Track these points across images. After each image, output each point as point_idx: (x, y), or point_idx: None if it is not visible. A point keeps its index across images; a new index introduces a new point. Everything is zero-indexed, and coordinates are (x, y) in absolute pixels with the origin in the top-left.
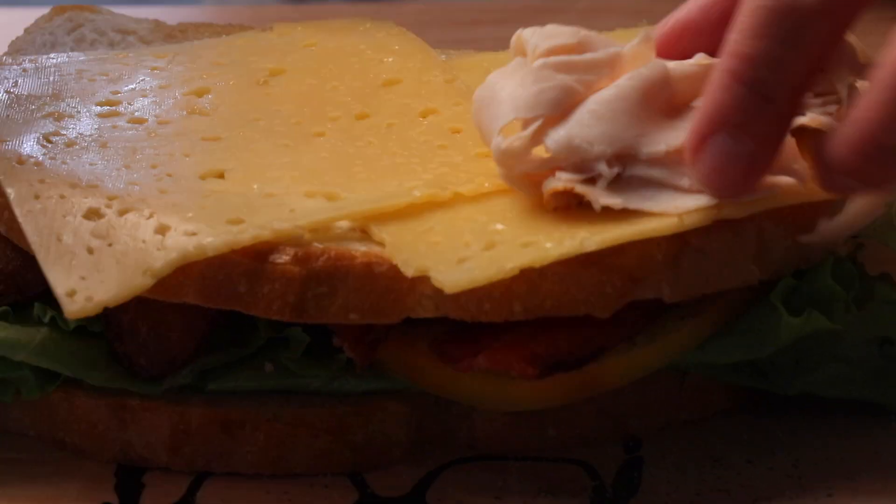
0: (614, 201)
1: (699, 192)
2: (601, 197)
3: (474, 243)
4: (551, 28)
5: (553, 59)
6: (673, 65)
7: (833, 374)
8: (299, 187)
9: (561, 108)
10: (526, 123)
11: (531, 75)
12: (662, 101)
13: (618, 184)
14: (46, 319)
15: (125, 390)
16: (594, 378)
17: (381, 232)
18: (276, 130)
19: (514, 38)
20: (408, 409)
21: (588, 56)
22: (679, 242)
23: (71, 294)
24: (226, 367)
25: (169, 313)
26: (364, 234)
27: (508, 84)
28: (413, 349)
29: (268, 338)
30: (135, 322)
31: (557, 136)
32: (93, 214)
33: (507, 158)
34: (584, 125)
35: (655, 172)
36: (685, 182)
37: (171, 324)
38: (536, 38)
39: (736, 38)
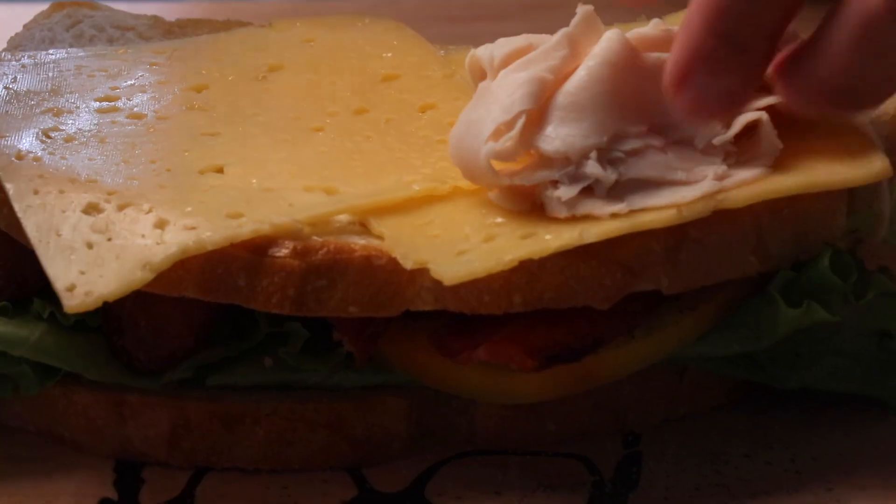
0: (619, 207)
1: (697, 182)
2: (606, 207)
3: (473, 236)
4: (501, 40)
5: (513, 64)
6: (631, 33)
7: (831, 368)
8: (298, 182)
9: (537, 99)
10: (509, 126)
11: (498, 87)
12: (634, 69)
13: (616, 188)
14: (45, 315)
15: (124, 385)
16: (593, 370)
17: (381, 225)
18: (275, 125)
19: (467, 60)
20: (407, 404)
21: (541, 47)
22: (678, 234)
23: (70, 289)
24: (225, 361)
25: (168, 307)
26: (363, 227)
27: (479, 109)
28: (412, 343)
29: (267, 332)
30: (134, 316)
31: (546, 135)
32: (92, 209)
33: (501, 160)
34: (570, 119)
35: (651, 172)
36: (681, 175)
37: (170, 318)
38: (490, 51)
39: None
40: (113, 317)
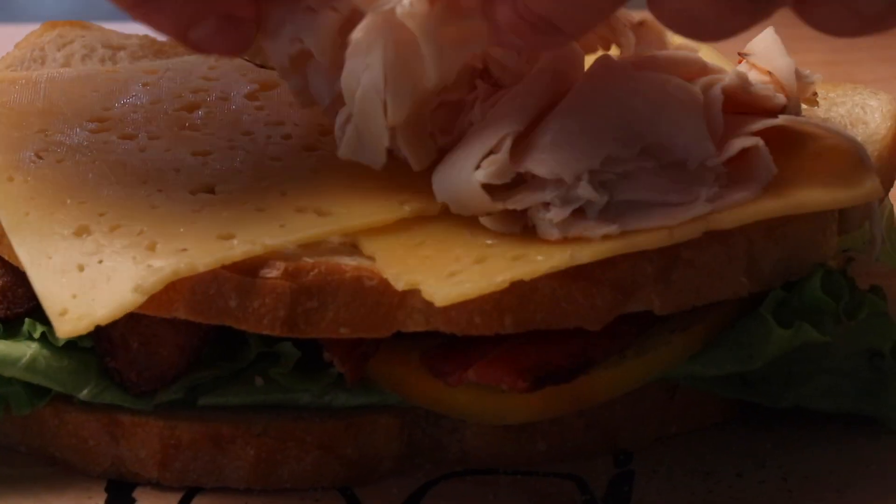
0: (610, 229)
1: (689, 203)
2: (597, 230)
3: (465, 257)
4: None
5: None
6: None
7: (823, 387)
8: (290, 202)
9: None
10: (497, 149)
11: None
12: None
13: (607, 210)
14: (37, 335)
15: (116, 405)
16: (585, 391)
17: (372, 246)
18: (267, 145)
19: None
20: (398, 424)
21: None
22: (669, 255)
23: (63, 313)
24: (216, 381)
25: (159, 328)
26: (354, 248)
27: (463, 146)
28: (403, 363)
29: (258, 352)
30: (125, 337)
31: (539, 158)
32: (83, 231)
33: (493, 181)
34: (562, 142)
35: (643, 193)
36: (673, 197)
37: (161, 339)
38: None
39: None
40: (104, 338)
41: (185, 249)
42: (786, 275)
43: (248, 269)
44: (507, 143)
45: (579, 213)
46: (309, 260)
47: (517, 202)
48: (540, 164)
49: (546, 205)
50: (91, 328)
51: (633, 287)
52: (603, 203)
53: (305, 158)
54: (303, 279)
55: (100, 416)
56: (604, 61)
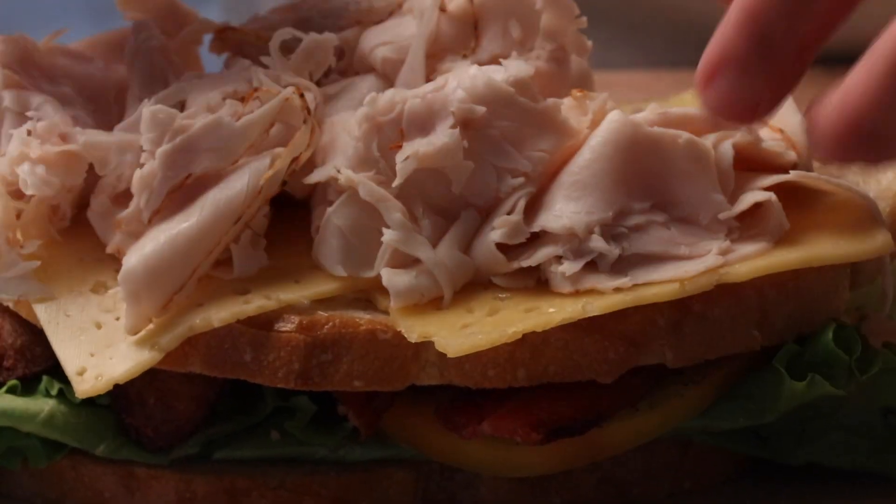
0: (622, 281)
1: (700, 256)
2: (609, 282)
3: (477, 309)
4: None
5: None
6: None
7: (836, 443)
8: (305, 259)
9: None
10: (510, 210)
11: None
12: (638, 146)
13: (619, 263)
14: (54, 392)
15: (132, 460)
16: (598, 443)
17: (386, 300)
18: (284, 201)
19: None
20: (413, 477)
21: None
22: (681, 308)
23: (81, 372)
24: (232, 435)
25: (175, 383)
26: (368, 302)
27: None
28: (417, 417)
29: (274, 406)
30: (142, 393)
31: (552, 213)
32: (100, 287)
33: (509, 242)
34: (575, 197)
35: (655, 247)
36: (684, 250)
37: (178, 394)
38: None
39: None
40: (121, 394)
41: (200, 304)
42: (798, 329)
43: (262, 323)
44: (521, 204)
45: (591, 266)
46: (323, 314)
47: (531, 259)
48: (553, 219)
49: (559, 258)
50: (109, 388)
51: (645, 340)
52: (615, 256)
53: None
54: (317, 333)
55: (116, 469)
56: (616, 117)
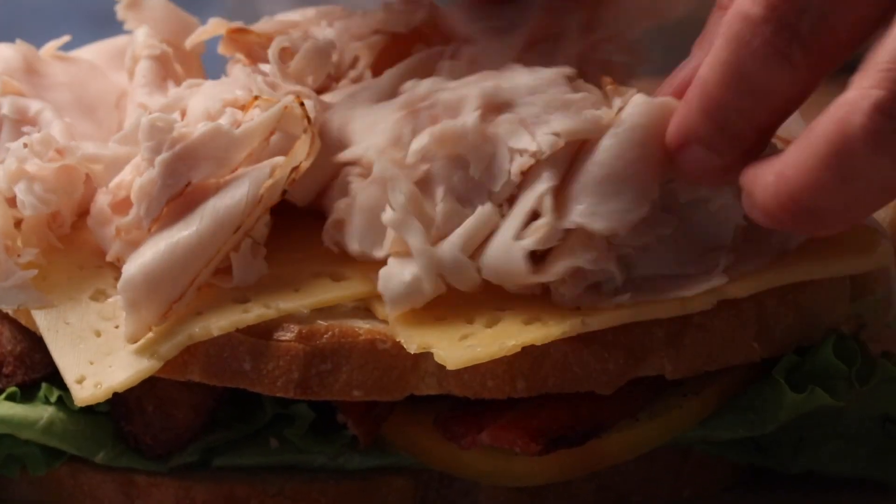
0: (623, 298)
1: (706, 274)
2: (612, 300)
3: (477, 320)
4: None
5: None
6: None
7: (836, 452)
8: (305, 268)
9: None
10: (536, 212)
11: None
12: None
13: (624, 284)
14: (53, 399)
15: (131, 467)
16: (597, 454)
17: (385, 309)
18: (284, 211)
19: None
20: (412, 485)
21: None
22: (681, 320)
23: (80, 380)
24: (231, 443)
25: (174, 391)
26: (368, 311)
27: None
28: (417, 426)
29: (273, 414)
30: (141, 401)
31: (590, 212)
32: (99, 295)
33: (542, 248)
34: (611, 193)
35: (660, 269)
36: (691, 268)
37: (176, 402)
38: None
39: (707, 72)
40: (120, 401)
41: (200, 313)
42: (798, 340)
43: (262, 332)
44: (548, 202)
45: (595, 286)
46: (323, 323)
47: (553, 274)
48: (593, 219)
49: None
50: (109, 395)
51: (644, 351)
52: (621, 281)
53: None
54: (316, 342)
55: (115, 477)
56: (642, 99)
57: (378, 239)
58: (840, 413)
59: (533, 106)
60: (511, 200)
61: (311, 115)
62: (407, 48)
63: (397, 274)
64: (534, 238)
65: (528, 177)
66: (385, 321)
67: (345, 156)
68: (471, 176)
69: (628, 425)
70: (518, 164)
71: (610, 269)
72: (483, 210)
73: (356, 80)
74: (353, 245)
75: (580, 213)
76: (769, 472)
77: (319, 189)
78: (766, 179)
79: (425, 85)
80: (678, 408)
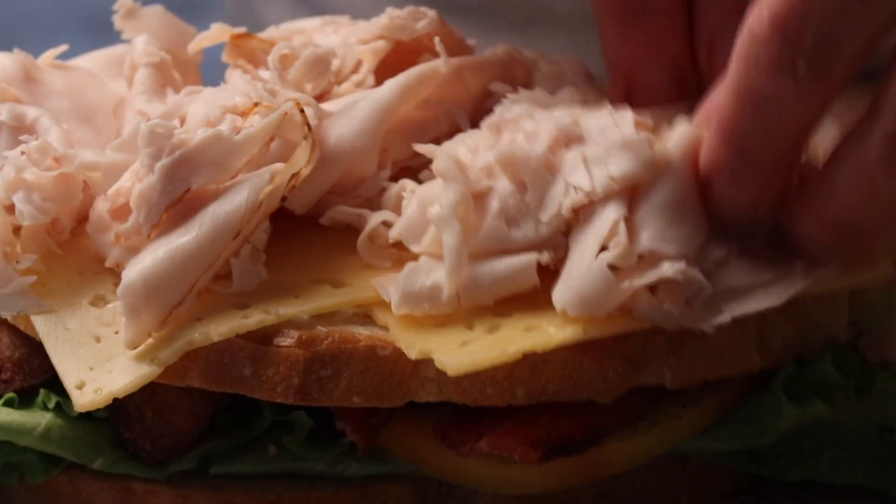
0: (722, 319)
1: (786, 278)
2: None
3: (478, 326)
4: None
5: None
6: None
7: (833, 461)
8: (305, 274)
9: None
10: (612, 234)
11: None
12: None
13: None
14: (52, 405)
15: (129, 474)
16: (596, 462)
17: (385, 315)
18: (284, 218)
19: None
20: (410, 493)
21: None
22: (681, 330)
23: (80, 386)
24: (229, 450)
25: (174, 397)
26: (368, 317)
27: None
28: (416, 433)
29: (271, 421)
30: (140, 407)
31: (661, 237)
32: (99, 301)
33: (621, 265)
34: (675, 220)
35: (741, 279)
36: (767, 276)
37: (175, 407)
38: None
39: (721, 97)
40: (119, 407)
41: (199, 319)
42: (797, 351)
43: (261, 338)
44: (622, 227)
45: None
46: (323, 329)
47: (644, 278)
48: (659, 243)
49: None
50: (109, 401)
51: (644, 360)
52: (709, 293)
53: (323, 231)
54: (316, 348)
55: (113, 484)
56: (686, 128)
57: (420, 233)
58: (838, 422)
59: (598, 145)
60: (552, 241)
61: (312, 122)
62: (411, 57)
63: (423, 273)
64: (613, 253)
65: (579, 214)
66: (385, 327)
67: (421, 148)
68: (526, 201)
69: (627, 434)
70: (571, 200)
71: (698, 279)
72: (527, 258)
73: (359, 85)
74: (395, 231)
75: (649, 238)
76: (767, 479)
77: (319, 196)
78: (809, 201)
79: (516, 110)
80: (677, 418)
